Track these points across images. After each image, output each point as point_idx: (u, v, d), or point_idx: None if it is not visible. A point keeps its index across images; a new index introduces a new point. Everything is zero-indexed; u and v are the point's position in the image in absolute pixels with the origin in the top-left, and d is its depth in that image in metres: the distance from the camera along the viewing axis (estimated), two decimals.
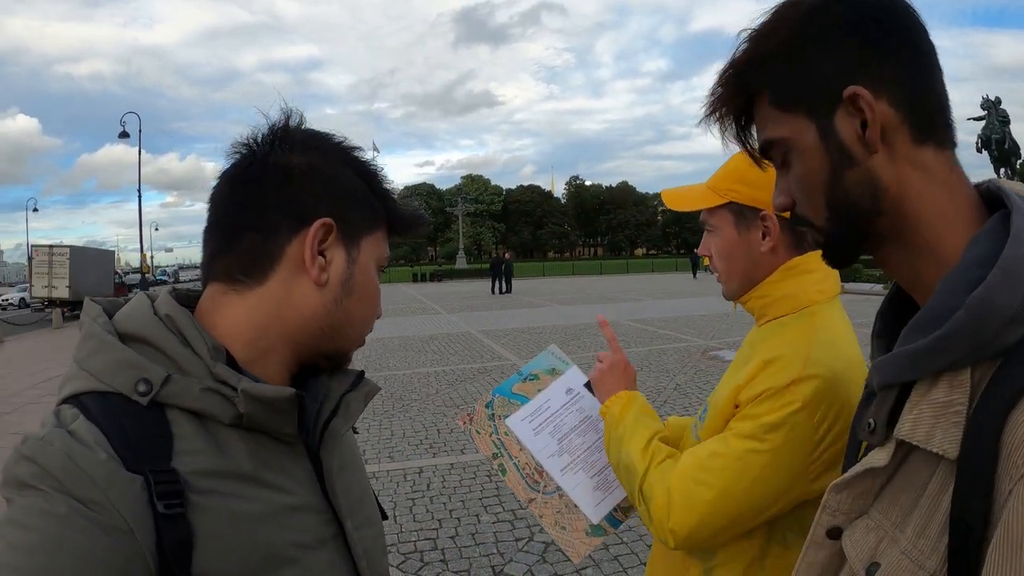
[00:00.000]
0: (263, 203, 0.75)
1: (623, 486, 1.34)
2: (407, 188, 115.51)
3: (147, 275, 35.45)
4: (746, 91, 0.73)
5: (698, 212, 1.34)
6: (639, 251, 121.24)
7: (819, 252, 1.19)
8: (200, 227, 0.80)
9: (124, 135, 29.25)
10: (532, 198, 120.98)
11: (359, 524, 0.83)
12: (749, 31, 0.71)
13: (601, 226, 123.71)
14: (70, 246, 25.04)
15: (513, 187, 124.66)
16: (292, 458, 0.76)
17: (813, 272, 1.24)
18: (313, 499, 0.78)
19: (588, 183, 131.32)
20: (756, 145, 0.77)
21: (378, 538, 0.89)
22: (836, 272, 1.25)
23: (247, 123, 0.78)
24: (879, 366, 0.67)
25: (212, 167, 0.88)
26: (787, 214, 0.77)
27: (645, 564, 1.69)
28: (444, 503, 4.86)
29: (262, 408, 0.70)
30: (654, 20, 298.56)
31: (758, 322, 1.33)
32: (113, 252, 33.52)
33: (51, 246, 24.85)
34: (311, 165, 0.77)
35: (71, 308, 22.77)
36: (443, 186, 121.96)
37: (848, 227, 0.69)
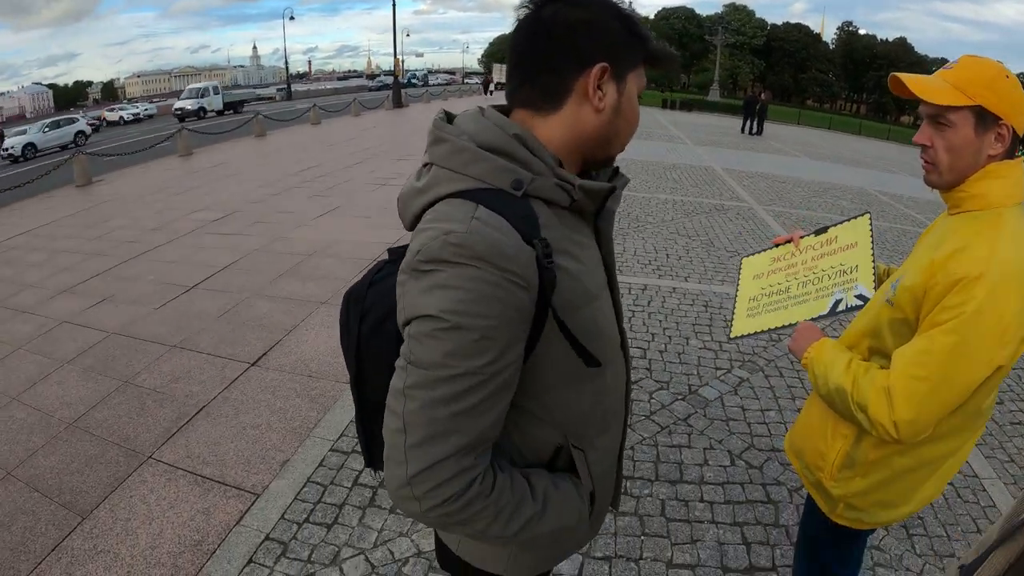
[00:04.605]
0: (555, 51, 1.01)
1: (838, 411, 1.57)
2: (664, 10, 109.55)
3: (398, 78, 36.67)
4: None
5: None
6: (905, 118, 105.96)
7: (1016, 161, 1.37)
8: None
9: None
10: (798, 38, 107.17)
11: (615, 277, 1.23)
12: None
13: (869, 82, 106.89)
14: None
15: (779, 23, 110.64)
16: (585, 226, 1.12)
17: (1006, 178, 1.39)
18: (597, 254, 1.15)
19: (862, 32, 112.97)
20: None
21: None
22: (1022, 180, 1.41)
23: None
24: None
25: None
26: None
27: None
28: (660, 321, 5.23)
29: (587, 196, 1.05)
30: None
31: (950, 211, 1.50)
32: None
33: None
34: (587, 20, 1.00)
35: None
36: (703, 12, 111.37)
37: None
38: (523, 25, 1.04)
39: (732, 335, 1.95)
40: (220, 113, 38.97)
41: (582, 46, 1.00)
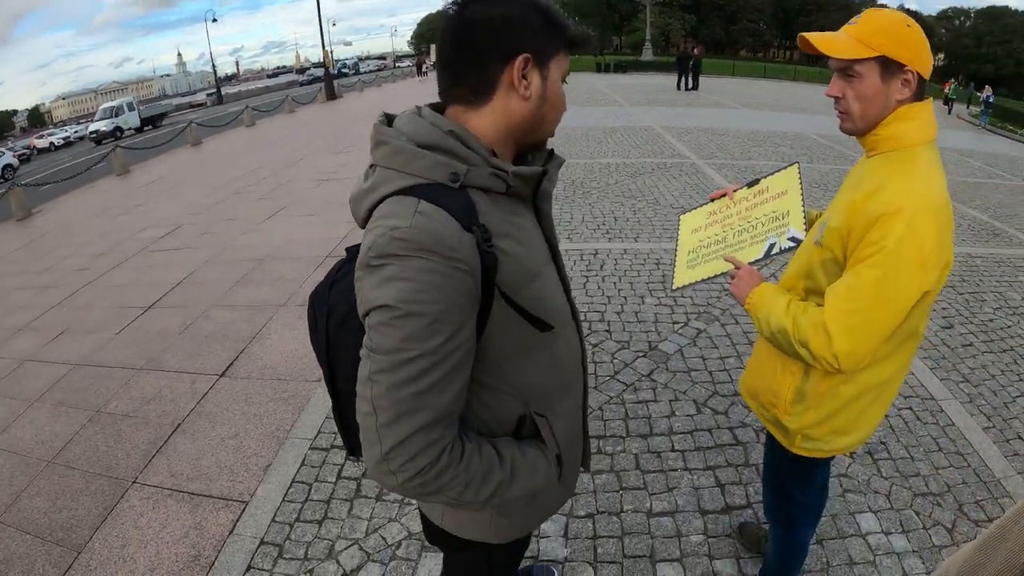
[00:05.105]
0: (479, 48, 1.09)
1: (783, 349, 1.67)
2: None
3: (329, 69, 35.48)
4: None
5: None
6: None
7: (925, 103, 1.49)
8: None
9: None
10: None
11: (558, 253, 1.33)
12: None
13: (800, 29, 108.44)
14: None
15: None
16: (525, 208, 1.21)
17: (916, 120, 1.50)
18: (538, 233, 1.25)
19: None
20: None
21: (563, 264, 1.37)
22: (934, 121, 1.53)
23: None
24: None
25: None
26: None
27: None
28: (614, 283, 5.37)
29: (522, 181, 1.14)
30: None
31: (867, 154, 1.62)
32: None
33: None
34: (506, 16, 1.09)
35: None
36: None
37: None
38: (448, 27, 1.12)
39: (675, 287, 2.05)
40: (139, 130, 36.01)
41: (503, 40, 1.09)
